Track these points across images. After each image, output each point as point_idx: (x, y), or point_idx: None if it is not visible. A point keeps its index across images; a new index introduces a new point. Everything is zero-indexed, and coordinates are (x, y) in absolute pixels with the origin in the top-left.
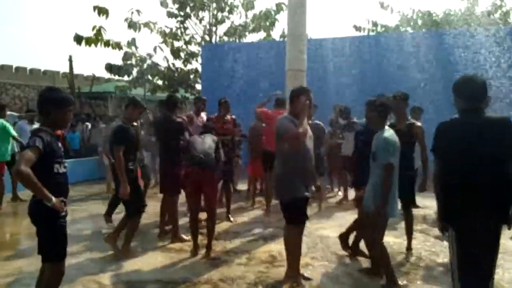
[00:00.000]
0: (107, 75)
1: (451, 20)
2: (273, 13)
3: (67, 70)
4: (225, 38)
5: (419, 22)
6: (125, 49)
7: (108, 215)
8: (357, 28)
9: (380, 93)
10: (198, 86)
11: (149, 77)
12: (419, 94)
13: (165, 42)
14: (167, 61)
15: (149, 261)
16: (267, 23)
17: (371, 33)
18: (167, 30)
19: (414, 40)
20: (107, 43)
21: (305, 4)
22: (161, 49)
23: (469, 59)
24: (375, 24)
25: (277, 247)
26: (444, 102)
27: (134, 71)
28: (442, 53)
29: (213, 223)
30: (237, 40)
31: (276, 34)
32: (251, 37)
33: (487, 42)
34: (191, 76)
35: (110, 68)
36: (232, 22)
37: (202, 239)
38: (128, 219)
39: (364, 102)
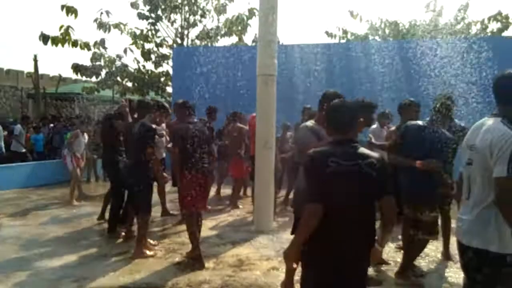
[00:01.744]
0: (74, 75)
1: (416, 31)
2: (245, 18)
3: (32, 69)
4: (197, 42)
5: (387, 31)
6: (93, 49)
7: (112, 231)
8: (329, 35)
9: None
10: (169, 89)
11: (118, 78)
12: (385, 102)
13: (135, 43)
14: (138, 63)
15: (113, 266)
16: (239, 28)
17: (342, 41)
18: (138, 32)
19: (381, 49)
20: (74, 43)
21: (276, 9)
22: (131, 51)
23: (432, 68)
24: (345, 32)
25: (246, 251)
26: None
27: (103, 72)
28: (407, 62)
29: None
30: (209, 44)
31: (248, 39)
32: (223, 41)
33: (449, 52)
34: (162, 79)
35: (76, 68)
36: (205, 25)
37: (169, 243)
38: (140, 217)
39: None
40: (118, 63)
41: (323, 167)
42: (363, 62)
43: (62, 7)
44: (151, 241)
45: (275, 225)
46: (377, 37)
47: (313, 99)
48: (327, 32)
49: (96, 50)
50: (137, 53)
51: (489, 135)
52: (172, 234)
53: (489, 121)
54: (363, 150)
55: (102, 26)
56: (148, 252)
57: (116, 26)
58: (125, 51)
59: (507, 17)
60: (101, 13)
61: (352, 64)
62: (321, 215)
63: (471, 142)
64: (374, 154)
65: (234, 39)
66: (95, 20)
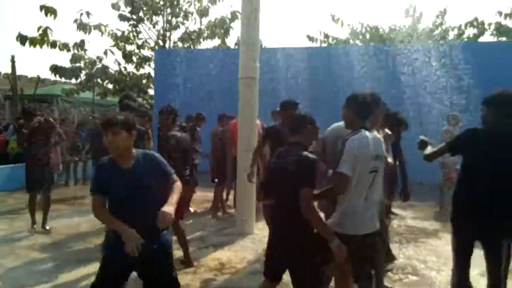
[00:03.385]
0: (53, 77)
1: (396, 36)
2: (228, 21)
3: (9, 70)
4: (179, 44)
5: (367, 36)
6: (73, 51)
7: None
8: (310, 38)
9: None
10: (151, 91)
11: (99, 80)
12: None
13: (116, 45)
14: (119, 64)
15: (92, 270)
16: (222, 31)
17: (323, 44)
18: (119, 33)
19: (362, 53)
20: (53, 44)
21: (258, 13)
22: (112, 53)
23: (411, 72)
24: (326, 36)
25: (227, 254)
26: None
27: (83, 74)
28: (387, 66)
29: None
30: (192, 47)
31: (231, 42)
32: (206, 44)
33: (428, 57)
34: (144, 81)
35: (55, 69)
36: (187, 28)
37: None
38: None
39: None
40: (98, 64)
41: (269, 164)
42: (344, 65)
43: (41, 7)
44: None
45: (256, 227)
46: (358, 42)
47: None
48: (308, 36)
49: (76, 51)
50: (118, 55)
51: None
52: None
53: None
54: (296, 151)
55: (82, 27)
56: None
57: (97, 27)
58: (105, 52)
59: (482, 23)
60: (81, 14)
61: (334, 68)
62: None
63: (377, 152)
64: (303, 154)
65: (216, 41)
66: (75, 21)
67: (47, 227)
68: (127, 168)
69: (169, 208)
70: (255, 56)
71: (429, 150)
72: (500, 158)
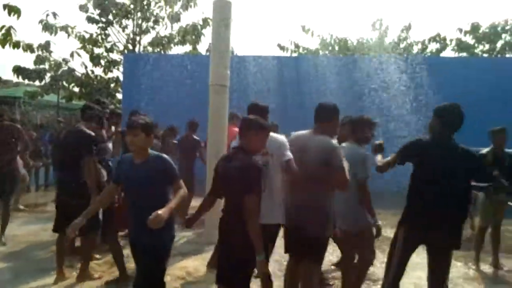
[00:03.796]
0: (16, 78)
1: (363, 48)
2: (199, 27)
3: None
4: (149, 49)
5: (336, 47)
6: (37, 52)
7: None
8: (281, 48)
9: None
10: (119, 96)
11: (64, 83)
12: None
13: (84, 48)
14: (86, 67)
15: (52, 280)
16: (193, 37)
17: (294, 54)
18: (87, 36)
19: (330, 64)
20: (16, 45)
21: (230, 20)
22: (79, 55)
23: (376, 83)
24: (297, 46)
25: (195, 263)
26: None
27: (48, 76)
28: (355, 77)
29: None
30: (162, 52)
31: (202, 48)
32: (177, 50)
33: (393, 69)
34: (112, 85)
35: (18, 71)
36: (158, 33)
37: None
38: (89, 236)
39: (283, 119)
40: (64, 67)
41: (216, 165)
42: (313, 75)
43: (4, 6)
44: (97, 256)
45: None
46: (327, 52)
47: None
48: (279, 45)
49: (40, 52)
50: (86, 57)
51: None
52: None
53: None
54: (238, 155)
55: (47, 28)
56: (96, 275)
57: (63, 28)
58: (72, 55)
59: (444, 39)
60: (47, 14)
61: (303, 77)
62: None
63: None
64: (246, 159)
65: (188, 47)
66: (41, 22)
67: (3, 239)
68: (139, 163)
69: (164, 211)
70: (226, 63)
71: (380, 160)
72: (437, 166)
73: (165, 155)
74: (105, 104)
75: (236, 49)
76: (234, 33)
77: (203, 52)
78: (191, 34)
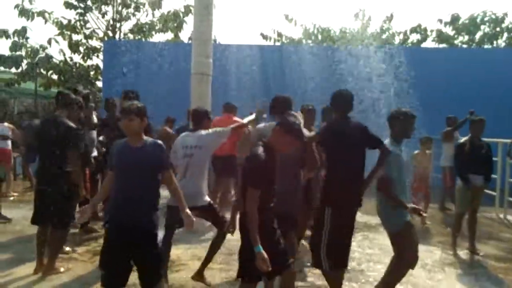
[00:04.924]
0: None
1: (346, 38)
2: (181, 14)
3: None
4: (130, 36)
5: (319, 37)
6: (13, 38)
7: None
8: (264, 37)
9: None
10: (99, 84)
11: (42, 70)
12: (316, 103)
13: (62, 34)
14: (64, 54)
15: (22, 272)
16: (175, 25)
17: (277, 43)
18: (65, 22)
19: (313, 53)
20: None
21: (212, 8)
22: (57, 42)
23: (358, 73)
24: (280, 35)
25: (177, 251)
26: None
27: (24, 63)
28: (336, 67)
29: None
30: (143, 39)
31: (184, 36)
32: (158, 37)
33: (374, 59)
34: (91, 73)
35: None
36: (138, 20)
37: (96, 246)
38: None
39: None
40: (41, 54)
41: None
42: (296, 64)
43: None
44: (67, 248)
45: (207, 224)
46: (310, 42)
47: (247, 98)
48: (262, 34)
49: (17, 39)
50: (64, 44)
51: None
52: (100, 236)
53: None
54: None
55: (24, 13)
56: (61, 269)
57: (40, 14)
58: (49, 41)
59: (425, 30)
60: None
61: (286, 66)
62: None
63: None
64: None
65: (169, 35)
66: (16, 7)
67: None
68: (138, 147)
69: (187, 210)
70: (208, 51)
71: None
72: (341, 149)
73: (160, 141)
74: (79, 92)
75: (219, 37)
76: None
77: (186, 40)
78: (173, 21)
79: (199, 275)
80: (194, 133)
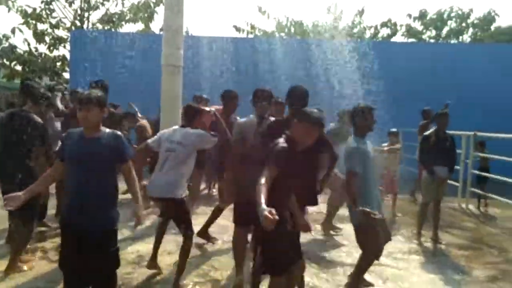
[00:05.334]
0: None
1: (318, 31)
2: (152, 5)
3: None
4: (99, 26)
5: (292, 29)
6: None
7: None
8: (237, 29)
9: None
10: (66, 75)
11: (5, 61)
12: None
13: (26, 23)
14: (28, 44)
15: None
16: (146, 15)
17: (250, 36)
18: (30, 10)
19: (285, 46)
20: None
21: None
22: (21, 31)
23: (331, 66)
24: (253, 27)
25: (147, 246)
26: (310, 104)
27: None
28: (309, 59)
29: None
30: (113, 29)
31: (156, 27)
32: (128, 28)
33: (346, 53)
34: (58, 64)
35: None
36: (108, 9)
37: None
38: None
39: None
40: (4, 43)
41: None
42: (268, 57)
43: None
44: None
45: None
46: (283, 34)
47: (219, 90)
48: (235, 27)
49: None
50: (28, 33)
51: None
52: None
53: None
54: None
55: None
56: (25, 267)
57: (3, 2)
58: (13, 30)
59: (395, 24)
60: None
61: (258, 59)
62: None
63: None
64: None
65: (140, 26)
66: None
67: None
68: (91, 138)
69: (139, 209)
70: (179, 43)
71: None
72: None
73: (119, 132)
74: (37, 83)
75: (191, 29)
76: (189, 13)
77: (157, 31)
78: (144, 11)
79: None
80: (182, 129)
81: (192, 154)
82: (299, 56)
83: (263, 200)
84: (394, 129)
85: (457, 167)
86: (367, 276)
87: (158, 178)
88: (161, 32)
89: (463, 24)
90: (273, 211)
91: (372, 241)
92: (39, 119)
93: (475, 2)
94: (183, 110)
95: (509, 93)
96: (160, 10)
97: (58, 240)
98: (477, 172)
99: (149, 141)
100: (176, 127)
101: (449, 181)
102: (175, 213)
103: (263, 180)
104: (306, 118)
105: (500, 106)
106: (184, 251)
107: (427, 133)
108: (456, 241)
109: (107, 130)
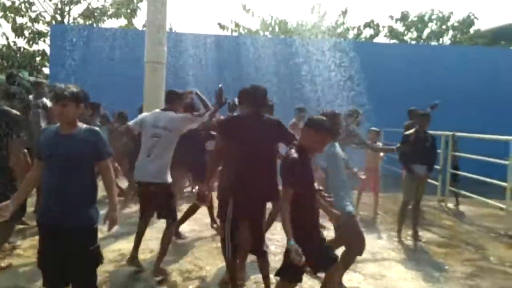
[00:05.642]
0: None
1: (302, 30)
2: (135, 0)
3: None
4: (80, 21)
5: (276, 28)
6: None
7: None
8: (222, 27)
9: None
10: (46, 70)
11: None
12: (272, 96)
13: (4, 17)
14: (7, 39)
15: None
16: (128, 10)
17: (234, 33)
18: (8, 3)
19: (269, 45)
20: None
21: None
22: None
23: (314, 65)
24: (237, 25)
25: (129, 244)
26: (293, 103)
27: None
28: (292, 58)
29: None
30: (94, 25)
31: (139, 23)
32: (111, 23)
33: (329, 53)
34: (38, 59)
35: None
36: (89, 4)
37: None
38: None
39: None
40: None
41: None
42: (252, 55)
43: None
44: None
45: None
46: (267, 33)
47: (202, 88)
48: (219, 24)
49: None
50: (7, 27)
51: None
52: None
53: None
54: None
55: None
56: (2, 264)
57: None
58: None
59: (378, 25)
60: None
61: (242, 57)
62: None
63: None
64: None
65: (122, 21)
66: None
67: None
68: (67, 134)
69: (113, 209)
70: (162, 39)
71: None
72: (241, 143)
73: (97, 128)
74: (16, 77)
75: (175, 26)
76: (173, 9)
77: (140, 28)
78: (126, 7)
79: (156, 271)
80: (166, 113)
81: (176, 139)
82: (283, 55)
83: (290, 230)
84: (375, 128)
85: (436, 166)
86: (348, 273)
87: (146, 165)
88: (144, 29)
89: (443, 27)
90: (300, 250)
91: (355, 238)
92: (13, 110)
93: (455, 5)
94: (165, 96)
95: (485, 95)
96: (143, 5)
97: (37, 238)
98: (452, 171)
99: (130, 123)
100: (157, 110)
101: (428, 180)
102: (162, 197)
103: (286, 203)
104: (322, 128)
105: (476, 107)
106: (166, 237)
107: (407, 132)
108: (435, 239)
109: (84, 125)
